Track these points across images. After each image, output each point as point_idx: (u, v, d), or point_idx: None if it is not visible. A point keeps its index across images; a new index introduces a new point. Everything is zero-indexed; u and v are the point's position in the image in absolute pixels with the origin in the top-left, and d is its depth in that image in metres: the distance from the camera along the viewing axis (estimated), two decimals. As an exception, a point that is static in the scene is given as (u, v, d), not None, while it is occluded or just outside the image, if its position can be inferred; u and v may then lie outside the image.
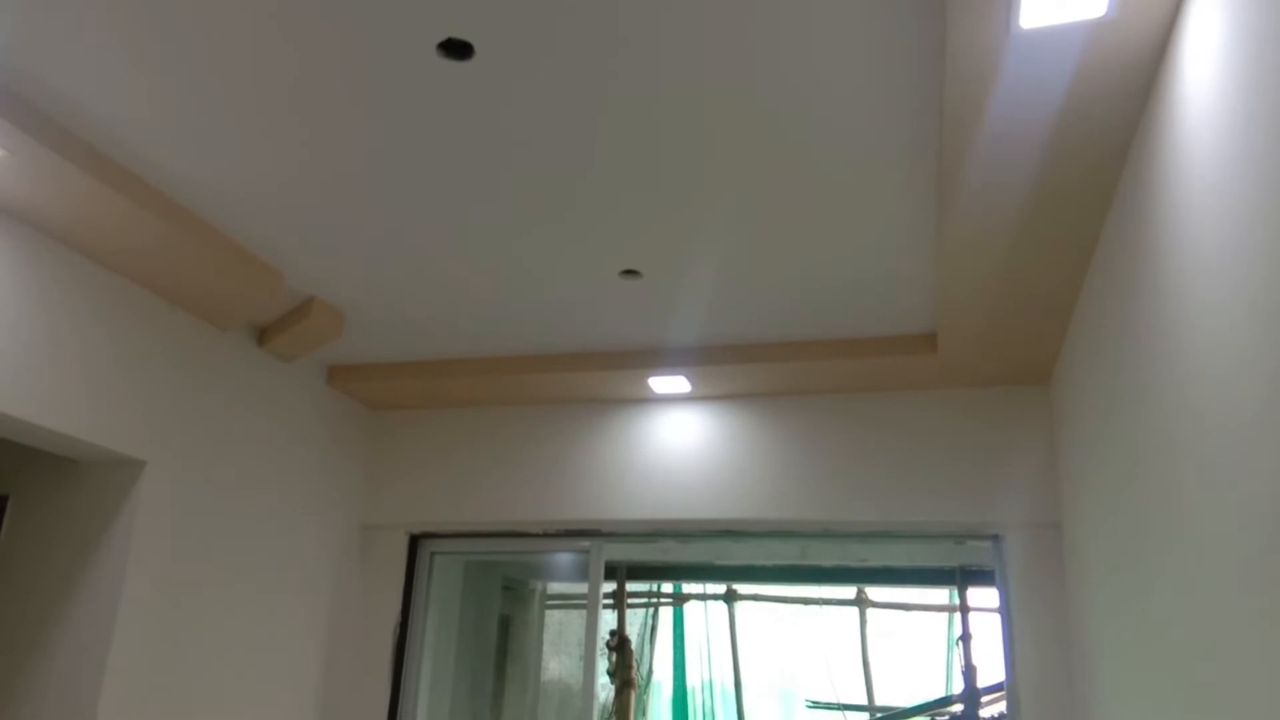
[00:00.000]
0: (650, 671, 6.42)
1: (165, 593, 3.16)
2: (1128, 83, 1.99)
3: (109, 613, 2.97)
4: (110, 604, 2.97)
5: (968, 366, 3.60)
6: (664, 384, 3.97)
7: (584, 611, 5.57)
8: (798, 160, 2.53)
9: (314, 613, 3.95)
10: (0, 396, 2.60)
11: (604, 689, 5.24)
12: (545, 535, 4.28)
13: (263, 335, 3.68)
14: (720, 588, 6.22)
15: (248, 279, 3.15)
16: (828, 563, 4.97)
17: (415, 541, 4.38)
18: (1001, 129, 2.15)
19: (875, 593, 5.96)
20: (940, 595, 5.97)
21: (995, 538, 3.76)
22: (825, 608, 6.14)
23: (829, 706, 5.69)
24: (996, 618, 4.11)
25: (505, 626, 5.29)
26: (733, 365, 3.77)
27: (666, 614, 6.70)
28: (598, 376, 3.93)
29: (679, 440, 4.07)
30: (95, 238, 2.82)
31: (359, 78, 2.25)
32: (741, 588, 6.15)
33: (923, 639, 6.13)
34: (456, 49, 2.14)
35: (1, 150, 2.37)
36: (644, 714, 6.20)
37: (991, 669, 4.45)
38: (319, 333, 3.62)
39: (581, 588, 5.39)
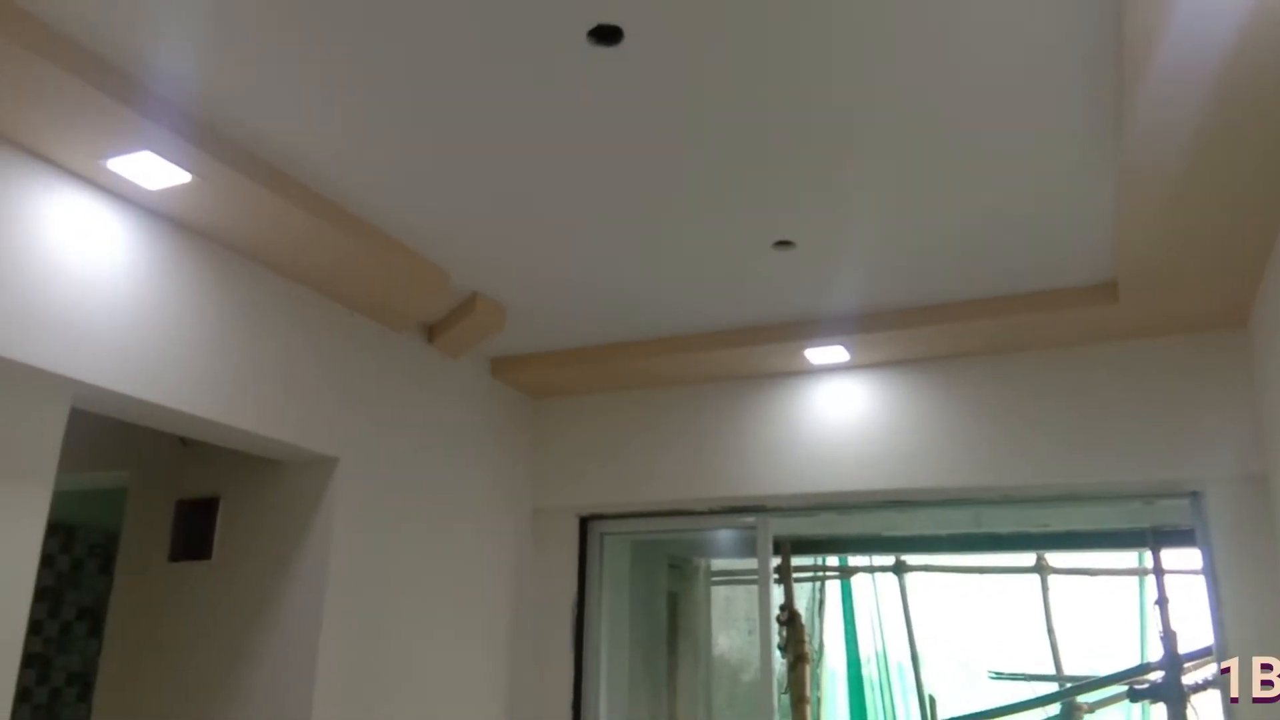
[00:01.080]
0: (822, 645, 6.36)
1: (363, 581, 3.36)
2: (1340, -14, 1.79)
3: (317, 599, 3.18)
4: (318, 591, 3.18)
5: (1153, 314, 3.37)
6: (821, 355, 3.91)
7: (749, 587, 5.58)
8: (959, 108, 2.42)
9: (496, 594, 4.12)
10: (210, 406, 2.82)
11: (777, 663, 5.23)
12: (710, 513, 4.30)
13: (432, 333, 3.84)
14: (889, 559, 6.08)
15: (417, 280, 3.29)
16: (1004, 530, 4.78)
17: (585, 523, 4.48)
18: (1187, 47, 1.98)
19: (1057, 559, 5.69)
20: (1128, 559, 5.64)
21: (1193, 495, 3.52)
22: (1003, 576, 5.90)
23: (1013, 677, 5.48)
24: (1195, 580, 3.85)
25: (673, 603, 5.35)
26: (893, 331, 3.66)
27: (834, 588, 6.61)
28: (754, 351, 3.90)
29: (840, 411, 3.99)
30: (279, 251, 3.00)
31: (511, 73, 2.30)
32: (911, 559, 5.99)
33: (1111, 605, 5.82)
34: (606, 34, 2.15)
35: (193, 176, 2.55)
36: (818, 687, 6.16)
37: (1192, 634, 4.17)
38: (482, 327, 3.75)
39: (744, 563, 5.40)
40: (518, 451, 4.40)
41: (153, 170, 2.50)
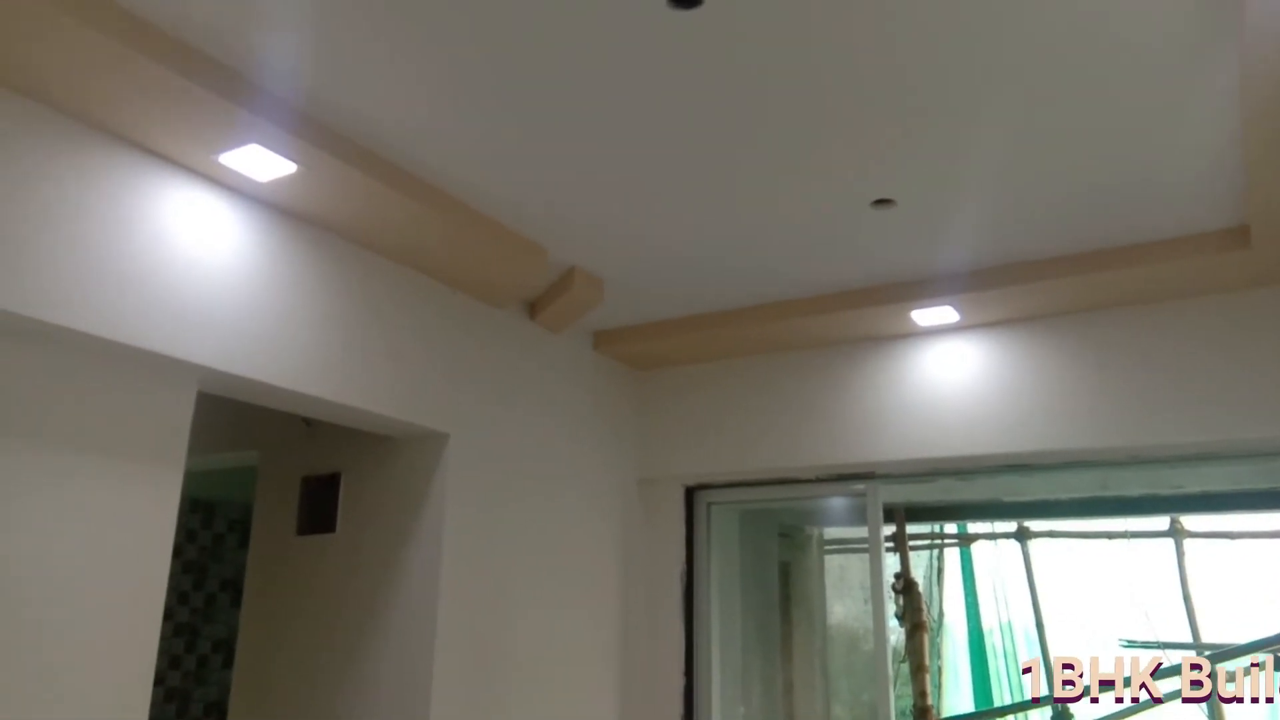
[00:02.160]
0: (941, 614, 6.22)
1: (477, 551, 3.46)
2: None
3: (434, 569, 3.30)
4: (434, 561, 3.30)
5: (1292, 258, 3.13)
6: (929, 315, 3.78)
7: (863, 556, 5.49)
8: (1084, 57, 2.28)
9: (605, 565, 4.18)
10: (328, 387, 2.94)
11: (893, 632, 5.15)
12: (818, 480, 4.24)
13: (533, 309, 3.90)
14: (1010, 525, 5.87)
15: (515, 257, 3.35)
16: (1134, 492, 4.55)
17: (691, 494, 4.50)
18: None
19: (1193, 522, 5.38)
20: (1272, 521, 5.29)
21: (1344, 451, 3.26)
22: (1134, 541, 5.63)
23: (1146, 645, 5.23)
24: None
25: (785, 573, 5.32)
26: (1006, 288, 3.51)
27: (953, 555, 6.45)
28: (857, 314, 3.81)
29: (950, 373, 3.87)
30: (382, 235, 3.10)
31: (593, 46, 2.29)
32: (1034, 524, 5.77)
33: (1253, 570, 5.47)
34: (686, -3, 2.12)
35: (298, 166, 2.65)
36: (938, 656, 6.03)
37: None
38: (582, 301, 3.79)
39: (859, 531, 5.30)
40: (622, 423, 4.45)
41: (261, 162, 2.61)
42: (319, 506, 3.67)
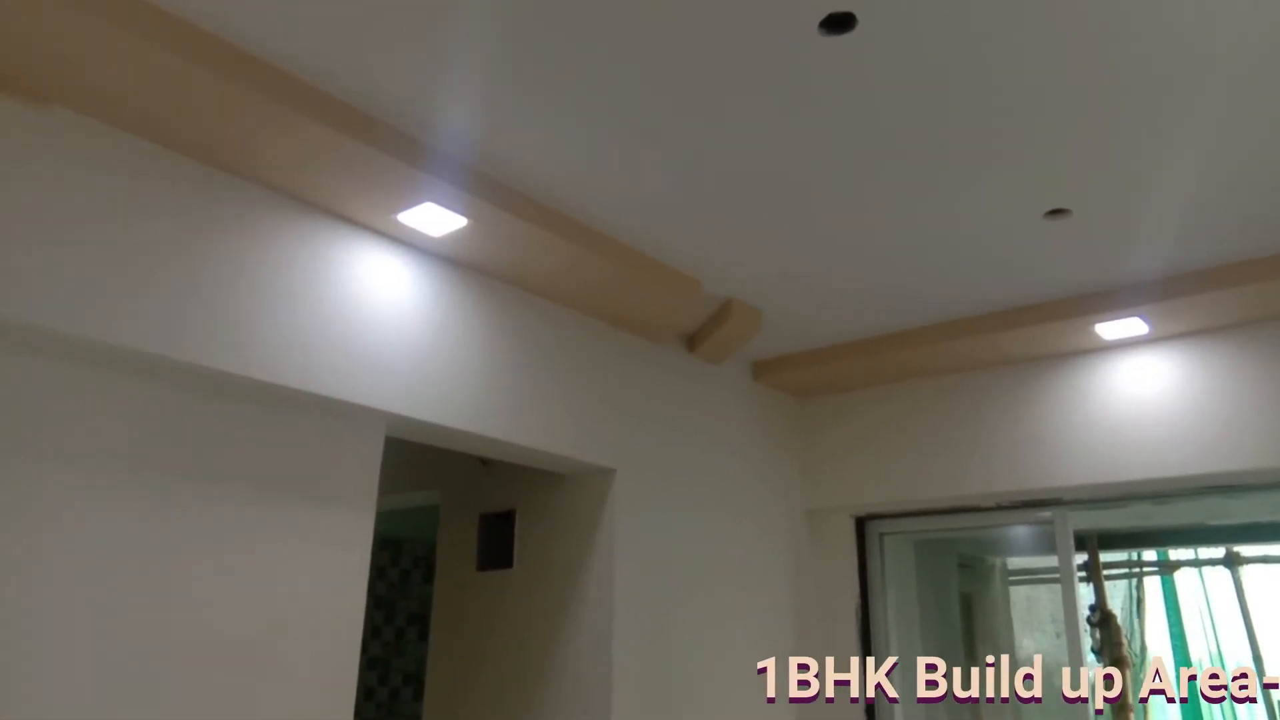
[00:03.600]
0: (1144, 648, 5.76)
1: (648, 584, 3.50)
2: None
3: (608, 602, 3.35)
4: (608, 594, 3.36)
5: None
6: (1114, 329, 3.55)
7: (1051, 586, 5.17)
8: None
9: (777, 597, 4.12)
10: (503, 427, 3.07)
11: (1090, 667, 4.80)
12: (999, 508, 4.04)
13: (691, 342, 3.93)
14: (1218, 551, 5.38)
15: (673, 292, 3.39)
16: (1365, 512, 4.09)
17: (862, 524, 4.38)
18: None
19: None
20: None
21: None
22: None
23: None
24: None
25: (967, 605, 5.08)
26: (1201, 295, 3.26)
27: (1153, 584, 5.96)
28: (1035, 331, 3.63)
29: (1141, 389, 3.61)
30: (545, 278, 3.21)
31: (744, 80, 2.31)
32: (1246, 549, 5.27)
33: None
34: (838, 23, 2.10)
35: (467, 220, 2.79)
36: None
37: None
38: (740, 331, 3.78)
39: (1045, 561, 5.00)
40: (785, 453, 4.39)
41: (435, 219, 2.77)
42: (497, 542, 3.81)
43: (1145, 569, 5.87)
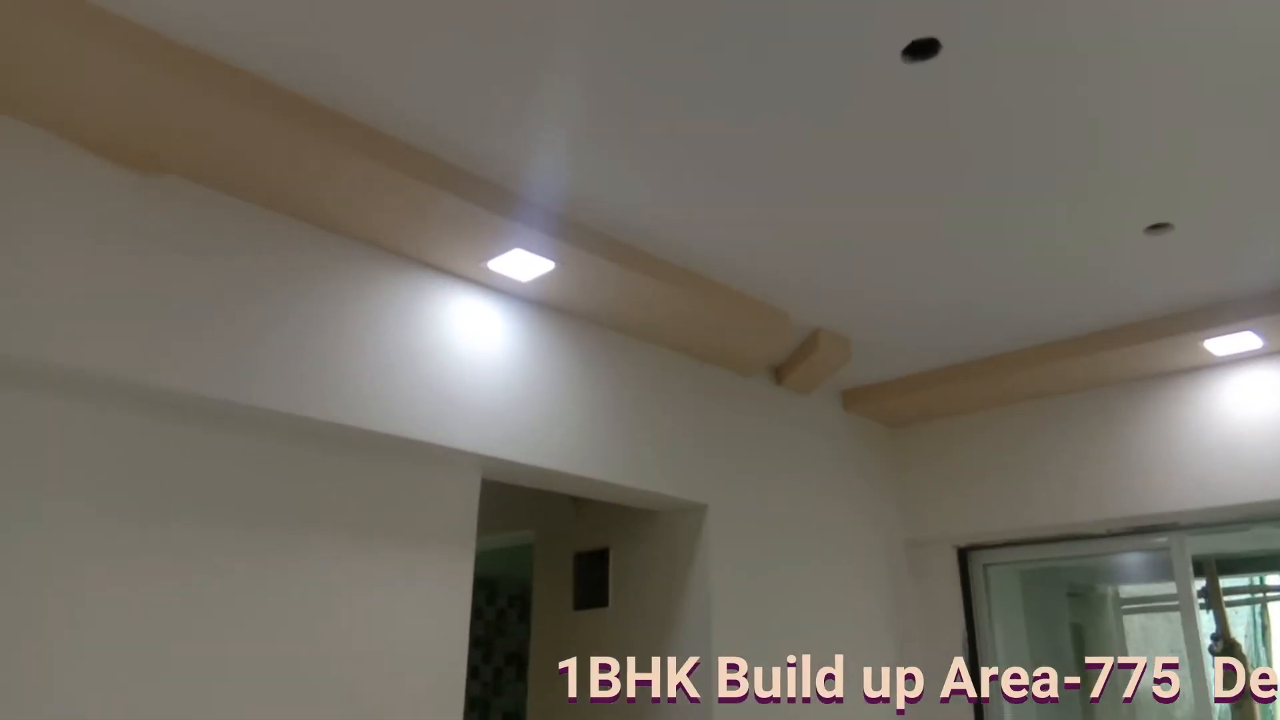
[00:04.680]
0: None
1: (745, 619, 3.45)
2: None
3: (705, 639, 3.32)
4: (704, 631, 3.33)
5: None
6: (1225, 344, 3.40)
7: (1168, 615, 4.92)
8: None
9: (878, 631, 4.02)
10: (594, 467, 3.09)
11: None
12: (1110, 535, 3.88)
13: (779, 373, 3.90)
14: (1351, 574, 5.06)
15: (760, 325, 3.37)
16: None
17: (964, 555, 4.25)
18: None
19: None
20: None
21: None
22: None
23: None
24: None
25: (1079, 636, 4.87)
26: (1318, 304, 3.10)
27: (1278, 611, 5.62)
28: (1141, 349, 3.49)
29: (1257, 405, 3.44)
30: (631, 317, 3.24)
31: (828, 110, 2.30)
32: (1383, 572, 4.94)
33: None
34: (921, 49, 2.08)
35: (555, 263, 2.84)
36: (1275, 729, 5.24)
37: None
38: (829, 361, 3.74)
39: (1160, 588, 4.77)
40: (880, 483, 4.30)
41: (523, 264, 2.82)
42: (591, 581, 3.81)
43: (1269, 594, 5.55)
